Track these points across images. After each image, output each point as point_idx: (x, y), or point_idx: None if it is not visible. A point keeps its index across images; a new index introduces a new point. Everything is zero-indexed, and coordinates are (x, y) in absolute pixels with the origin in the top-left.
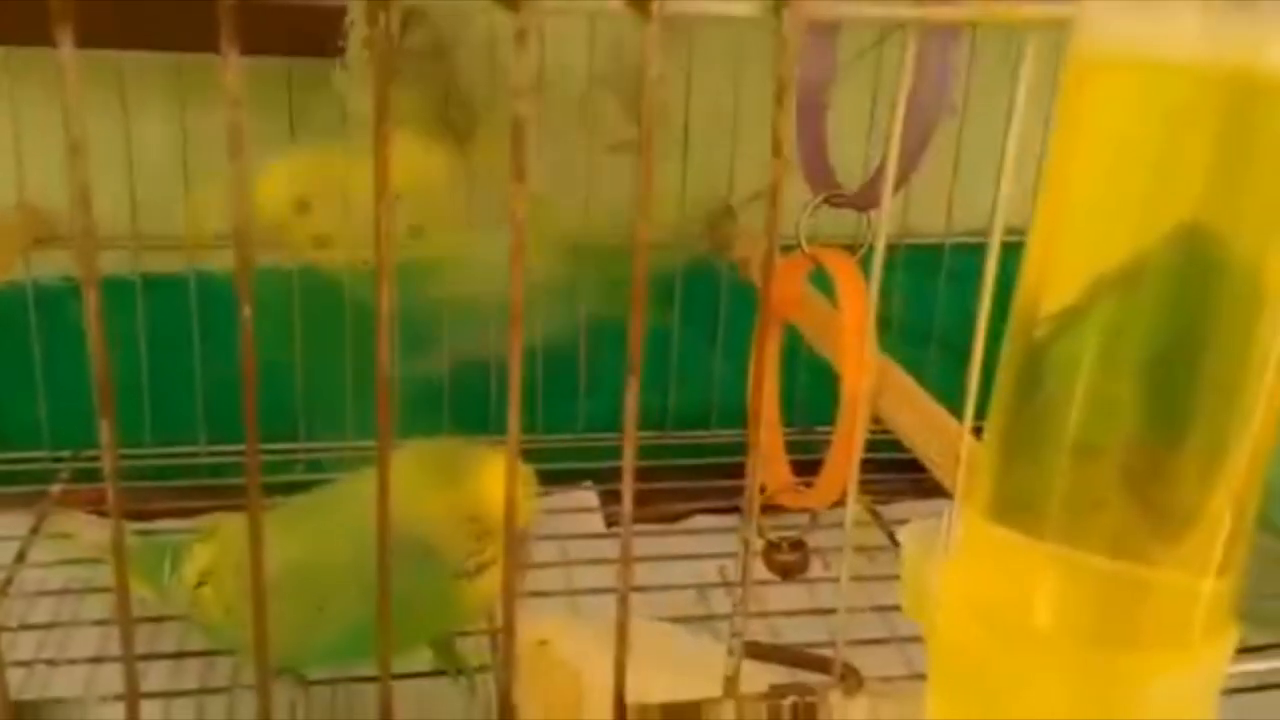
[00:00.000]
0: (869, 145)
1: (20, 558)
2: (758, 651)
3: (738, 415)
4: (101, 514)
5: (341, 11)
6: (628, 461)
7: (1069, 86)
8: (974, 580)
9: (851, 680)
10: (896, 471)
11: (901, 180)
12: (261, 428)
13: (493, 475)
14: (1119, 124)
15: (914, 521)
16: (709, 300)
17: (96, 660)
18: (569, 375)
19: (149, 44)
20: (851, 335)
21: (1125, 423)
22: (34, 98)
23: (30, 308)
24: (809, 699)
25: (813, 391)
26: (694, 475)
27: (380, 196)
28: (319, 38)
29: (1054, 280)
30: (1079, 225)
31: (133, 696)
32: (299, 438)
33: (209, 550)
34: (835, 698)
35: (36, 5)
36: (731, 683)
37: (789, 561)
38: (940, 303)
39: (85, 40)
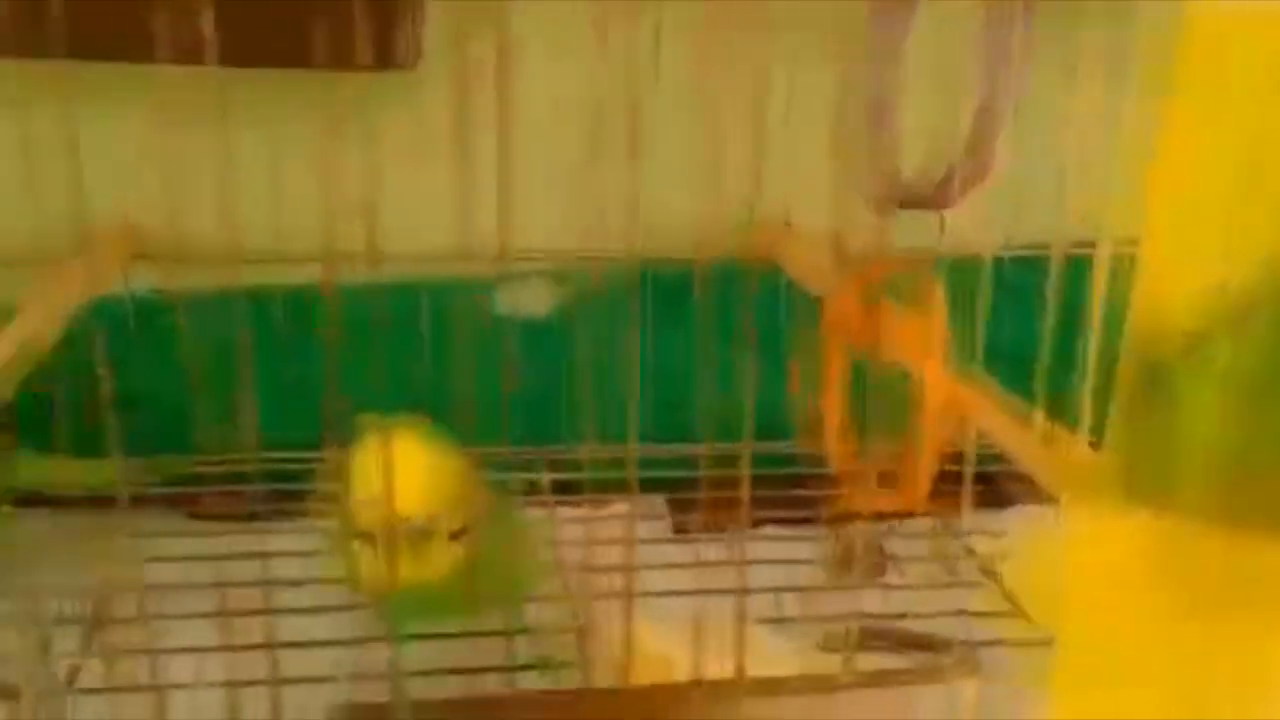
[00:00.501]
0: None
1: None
2: (875, 634)
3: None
4: (196, 516)
5: (415, 24)
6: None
7: (1187, 65)
8: (1103, 562)
9: (968, 661)
10: (960, 484)
11: (976, 180)
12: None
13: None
14: (1252, 101)
15: (1016, 517)
16: (771, 312)
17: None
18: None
19: (243, 60)
20: (929, 342)
21: (1267, 444)
22: (135, 114)
23: (130, 320)
24: (929, 677)
25: (880, 406)
26: (761, 487)
27: None
28: (393, 50)
29: (1177, 293)
30: (1205, 232)
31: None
32: None
33: None
34: (952, 676)
35: (134, 21)
36: (849, 661)
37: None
38: (998, 316)
39: (184, 57)
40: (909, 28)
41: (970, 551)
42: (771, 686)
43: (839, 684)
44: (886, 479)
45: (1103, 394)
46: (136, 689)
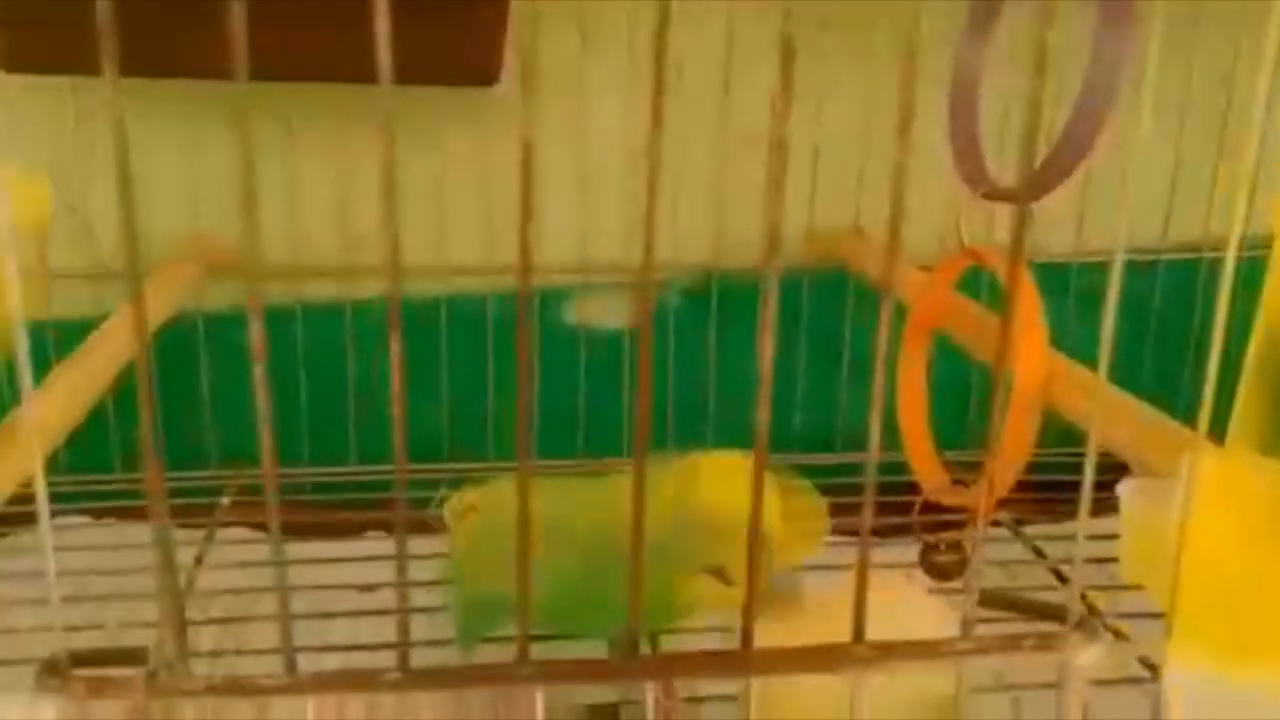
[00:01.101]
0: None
1: (198, 561)
2: (992, 599)
3: (866, 437)
4: (260, 527)
5: (499, 40)
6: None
7: None
8: (1230, 510)
9: (1089, 626)
10: (1033, 491)
11: (1069, 171)
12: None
13: (721, 483)
14: None
15: (1130, 480)
16: (834, 319)
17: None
18: (699, 399)
19: (306, 75)
20: (1023, 330)
21: None
22: (209, 130)
23: (200, 334)
24: (1048, 643)
25: (944, 415)
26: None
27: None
28: (475, 67)
29: None
30: None
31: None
32: (444, 457)
33: (480, 491)
34: (1075, 640)
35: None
36: (968, 625)
37: (947, 563)
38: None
39: (255, 73)
40: (999, 14)
41: (1042, 555)
42: (887, 650)
43: (957, 649)
44: (967, 478)
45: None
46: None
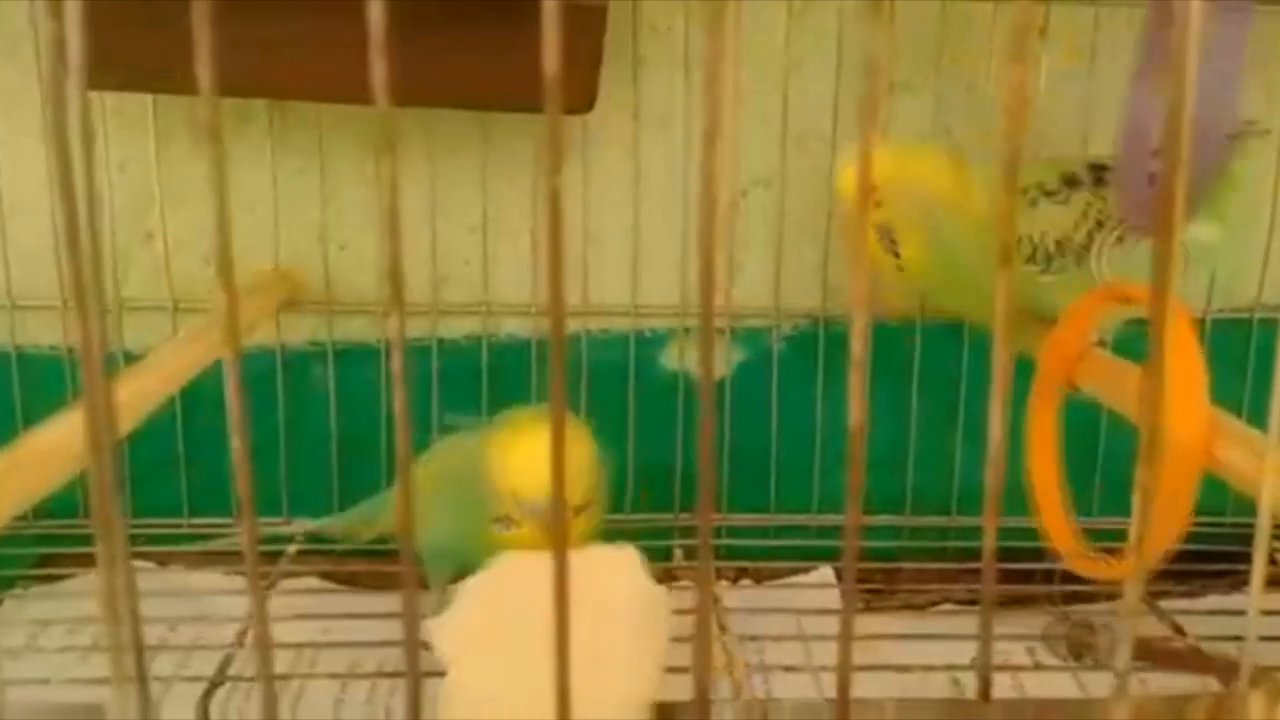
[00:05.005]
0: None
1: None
2: (1150, 653)
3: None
4: (324, 576)
5: (593, 68)
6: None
7: None
8: None
9: (1270, 684)
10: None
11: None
12: None
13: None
14: None
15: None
16: (948, 372)
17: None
18: (805, 454)
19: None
20: (1181, 377)
21: None
22: (295, 163)
23: (279, 371)
24: (1223, 703)
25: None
26: (936, 562)
27: None
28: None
29: None
30: None
31: None
32: None
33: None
34: (1255, 701)
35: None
36: (1123, 682)
37: (1078, 639)
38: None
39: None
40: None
41: (1182, 633)
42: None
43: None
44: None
45: None
46: None
